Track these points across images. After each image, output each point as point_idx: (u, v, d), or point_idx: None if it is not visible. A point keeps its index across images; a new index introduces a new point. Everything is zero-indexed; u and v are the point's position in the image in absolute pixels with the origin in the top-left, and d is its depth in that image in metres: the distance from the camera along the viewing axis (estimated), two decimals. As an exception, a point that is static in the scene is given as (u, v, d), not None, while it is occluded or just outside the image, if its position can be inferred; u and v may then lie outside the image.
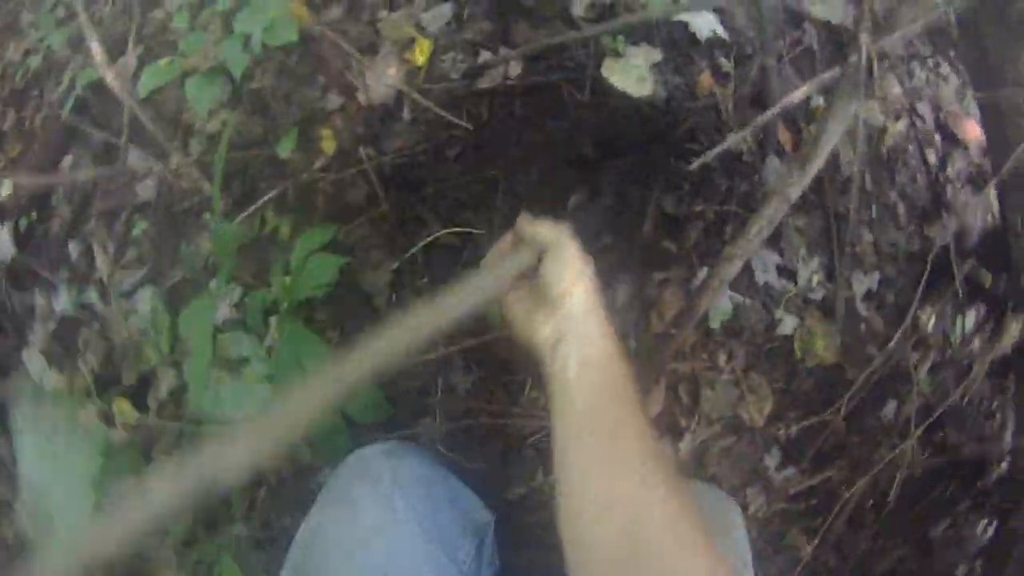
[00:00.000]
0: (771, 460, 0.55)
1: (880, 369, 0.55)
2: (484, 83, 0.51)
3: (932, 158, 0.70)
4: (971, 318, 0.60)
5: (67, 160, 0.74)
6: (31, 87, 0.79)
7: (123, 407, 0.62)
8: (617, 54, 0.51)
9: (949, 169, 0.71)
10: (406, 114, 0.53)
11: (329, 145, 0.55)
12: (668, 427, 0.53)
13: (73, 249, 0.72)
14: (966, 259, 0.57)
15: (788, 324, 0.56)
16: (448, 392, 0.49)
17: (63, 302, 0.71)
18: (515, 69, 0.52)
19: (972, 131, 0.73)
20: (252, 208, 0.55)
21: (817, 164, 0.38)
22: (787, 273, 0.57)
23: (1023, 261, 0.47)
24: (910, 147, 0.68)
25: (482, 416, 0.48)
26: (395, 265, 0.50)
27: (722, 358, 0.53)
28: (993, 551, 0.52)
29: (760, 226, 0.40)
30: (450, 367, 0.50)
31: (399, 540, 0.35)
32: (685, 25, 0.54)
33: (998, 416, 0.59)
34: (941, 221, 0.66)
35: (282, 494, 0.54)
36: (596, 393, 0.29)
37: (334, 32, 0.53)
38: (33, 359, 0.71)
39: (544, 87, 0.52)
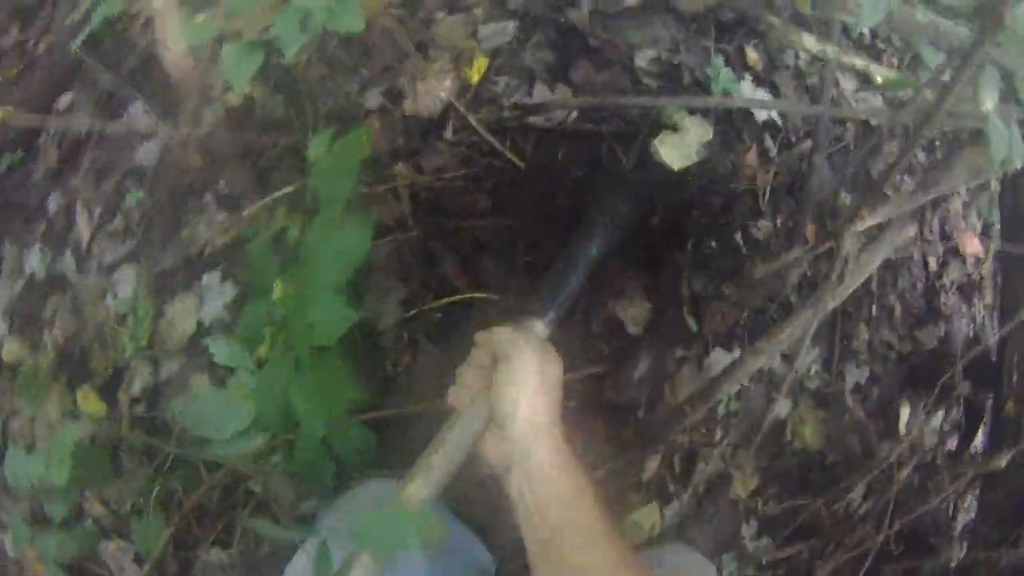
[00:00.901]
0: (748, 531, 0.55)
1: (860, 458, 0.60)
2: (536, 119, 0.47)
3: (932, 264, 0.75)
4: (944, 418, 0.66)
5: (65, 99, 0.61)
6: (44, 5, 0.68)
7: (90, 399, 0.53)
8: (674, 128, 0.48)
9: (945, 277, 0.76)
10: (449, 133, 0.48)
11: (364, 149, 0.45)
12: (658, 492, 0.52)
13: (53, 202, 0.60)
14: (948, 365, 0.62)
15: (783, 408, 0.56)
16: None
17: (35, 262, 0.59)
18: (572, 114, 0.48)
19: (971, 245, 0.78)
20: (261, 202, 0.48)
21: (859, 281, 0.40)
22: (789, 359, 0.56)
23: (1008, 393, 0.51)
24: (915, 254, 0.73)
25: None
26: (405, 299, 0.45)
27: (718, 434, 0.52)
28: None
29: (794, 328, 0.40)
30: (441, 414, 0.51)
31: None
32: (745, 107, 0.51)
33: (957, 507, 0.64)
34: (930, 326, 0.72)
35: (261, 520, 0.47)
36: (555, 517, 0.29)
37: (392, 24, 0.48)
38: None
39: (592, 137, 0.48)
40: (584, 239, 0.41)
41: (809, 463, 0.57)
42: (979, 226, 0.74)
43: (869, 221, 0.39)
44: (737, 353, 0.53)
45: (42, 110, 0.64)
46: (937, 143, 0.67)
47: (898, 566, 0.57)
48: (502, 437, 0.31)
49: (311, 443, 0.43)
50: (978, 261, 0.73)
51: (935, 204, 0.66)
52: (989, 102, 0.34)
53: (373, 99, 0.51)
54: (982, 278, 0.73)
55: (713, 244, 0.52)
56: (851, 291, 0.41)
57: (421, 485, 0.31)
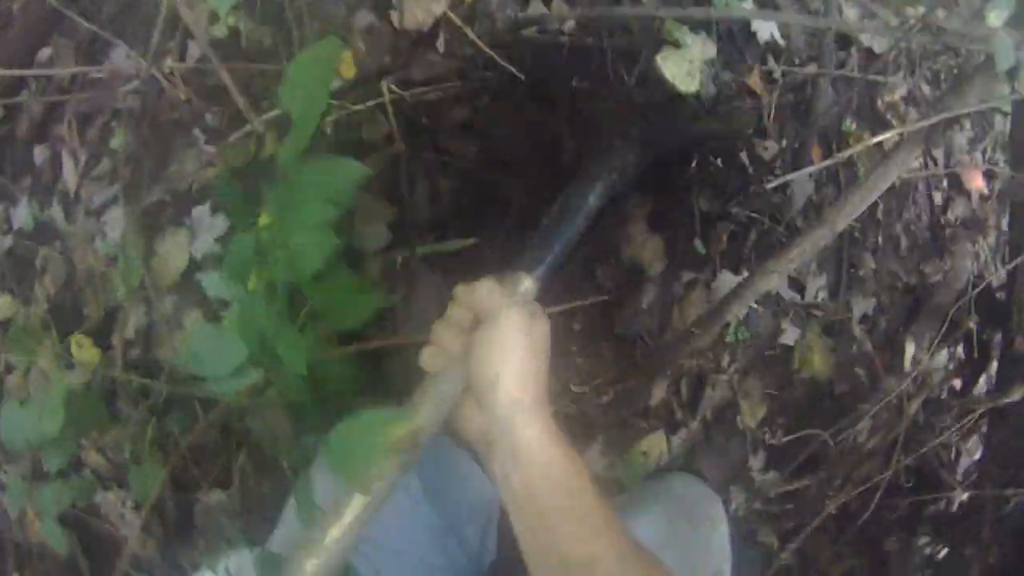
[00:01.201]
0: (756, 462, 0.55)
1: (867, 391, 0.60)
2: (531, 31, 0.45)
3: (937, 199, 0.74)
4: (950, 354, 0.65)
5: (45, 53, 0.60)
6: None
7: (83, 346, 0.51)
8: (676, 44, 0.47)
9: (950, 213, 0.75)
10: (440, 45, 0.45)
11: (349, 69, 0.46)
12: (665, 419, 0.51)
13: (39, 155, 0.59)
14: (955, 300, 0.61)
15: (791, 335, 0.55)
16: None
17: (23, 216, 0.58)
18: (568, 24, 0.46)
19: (975, 180, 0.77)
20: (245, 128, 0.45)
21: (868, 202, 0.36)
22: (796, 285, 0.56)
23: (1018, 328, 0.50)
24: (920, 186, 0.72)
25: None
26: (393, 223, 0.43)
27: (726, 360, 0.51)
28: (943, 573, 0.57)
29: (803, 248, 0.38)
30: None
31: (411, 517, 0.33)
32: (747, 23, 0.50)
33: (955, 448, 0.65)
34: (936, 260, 0.72)
35: (261, 461, 0.47)
36: (545, 502, 0.26)
37: None
38: None
39: (594, 52, 0.46)
40: (582, 187, 0.35)
41: (817, 393, 0.57)
42: (984, 165, 0.72)
43: (876, 140, 0.37)
44: (745, 275, 0.51)
45: (22, 66, 0.62)
46: (943, 76, 0.66)
47: (906, 501, 0.56)
48: (481, 410, 0.27)
49: (292, 380, 0.41)
50: (983, 199, 0.72)
51: (940, 136, 0.65)
52: (997, 19, 0.32)
53: (362, 18, 0.49)
54: (987, 216, 0.72)
55: (719, 163, 0.50)
56: (859, 213, 0.39)
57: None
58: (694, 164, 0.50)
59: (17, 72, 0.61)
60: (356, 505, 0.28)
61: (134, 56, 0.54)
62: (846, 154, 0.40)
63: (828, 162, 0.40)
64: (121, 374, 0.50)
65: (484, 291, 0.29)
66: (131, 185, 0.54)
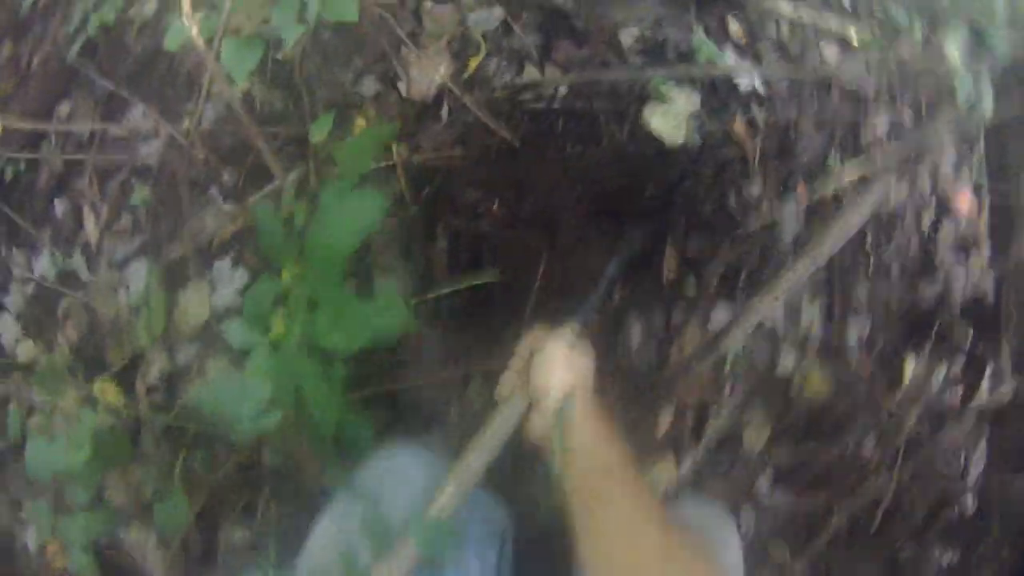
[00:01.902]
0: (763, 484, 0.58)
1: (868, 407, 0.63)
2: (527, 98, 0.51)
3: (926, 222, 0.78)
4: (949, 368, 0.64)
5: (64, 108, 0.65)
6: (34, 20, 0.70)
7: (108, 390, 0.56)
8: (662, 99, 0.52)
9: (939, 235, 0.78)
10: (444, 114, 0.51)
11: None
12: (673, 447, 0.54)
13: (60, 207, 0.64)
14: (949, 317, 0.64)
15: (788, 361, 0.59)
16: (464, 406, 0.49)
17: (44, 265, 0.63)
18: (561, 90, 0.52)
19: (963, 202, 0.81)
20: (268, 188, 0.52)
21: (849, 233, 0.45)
22: (792, 314, 0.59)
23: (1009, 333, 0.55)
24: (908, 211, 0.76)
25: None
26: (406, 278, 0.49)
27: (728, 389, 0.55)
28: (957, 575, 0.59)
29: (788, 282, 0.45)
30: (466, 384, 0.50)
31: None
32: (729, 75, 0.54)
33: (964, 455, 0.67)
34: (928, 281, 0.74)
35: (285, 496, 0.51)
36: (596, 484, 0.31)
37: (384, 14, 0.51)
38: (7, 325, 0.64)
39: (585, 114, 0.52)
40: (612, 262, 0.47)
41: (818, 414, 0.60)
42: (971, 185, 0.76)
43: (855, 172, 0.41)
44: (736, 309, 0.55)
45: (42, 121, 0.67)
46: (924, 106, 0.70)
47: (917, 511, 0.58)
48: (540, 414, 0.36)
49: (316, 430, 0.46)
50: (971, 218, 0.75)
51: (925, 164, 0.69)
52: (955, 53, 0.36)
53: (369, 86, 0.54)
54: (977, 235, 0.75)
55: (707, 208, 0.55)
56: (845, 241, 0.43)
57: (476, 459, 0.37)
58: (684, 210, 0.54)
59: (37, 126, 0.66)
60: (448, 492, 0.36)
61: (151, 115, 0.60)
62: (821, 192, 0.43)
63: (806, 201, 0.43)
64: (146, 413, 0.54)
65: (535, 333, 0.40)
66: (152, 239, 0.59)
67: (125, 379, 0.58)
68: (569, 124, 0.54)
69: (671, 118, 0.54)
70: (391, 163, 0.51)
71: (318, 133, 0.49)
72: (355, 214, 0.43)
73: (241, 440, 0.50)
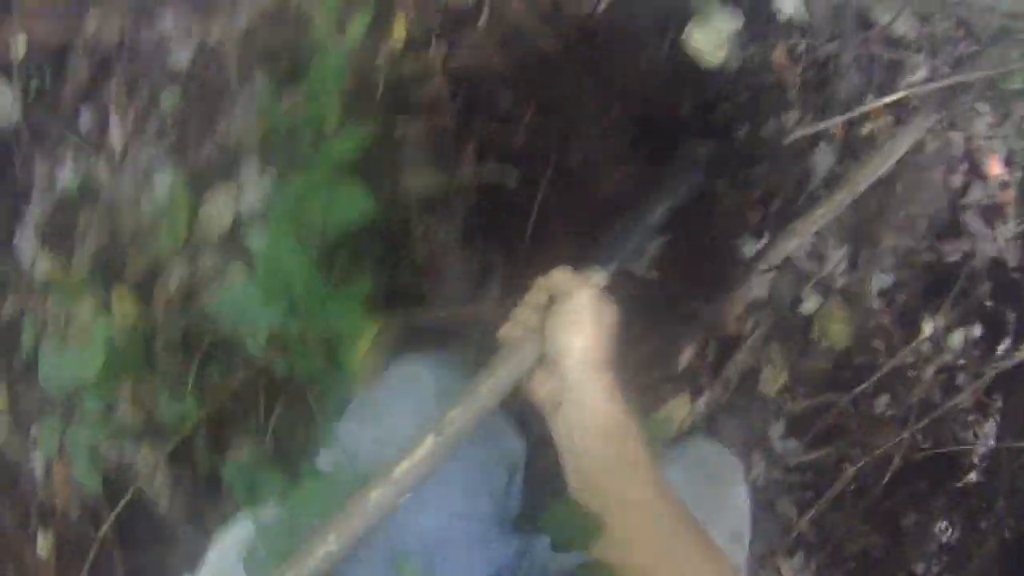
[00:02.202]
0: (776, 430, 0.58)
1: (885, 362, 0.63)
2: (569, 6, 0.49)
3: (956, 182, 0.78)
4: (967, 332, 0.68)
5: (92, 15, 0.63)
6: None
7: (125, 300, 0.54)
8: (704, 17, 0.51)
9: (968, 197, 0.78)
10: (484, 17, 0.49)
11: (400, 30, 0.50)
12: (690, 383, 0.54)
13: (86, 117, 0.62)
14: (970, 279, 0.64)
15: (811, 304, 0.58)
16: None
17: (68, 176, 0.61)
18: (603, 2, 0.50)
19: (994, 167, 0.80)
20: (297, 92, 0.50)
21: (887, 165, 0.44)
22: (817, 257, 0.59)
23: None
24: (939, 168, 0.75)
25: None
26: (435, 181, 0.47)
27: (749, 325, 0.55)
28: (959, 547, 0.56)
29: (826, 209, 0.44)
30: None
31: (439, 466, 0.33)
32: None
33: (973, 430, 0.67)
34: (953, 241, 0.74)
35: (296, 413, 0.49)
36: (602, 459, 0.30)
37: None
38: (26, 240, 0.63)
39: (626, 27, 0.51)
40: (656, 201, 0.40)
41: (836, 362, 0.60)
42: (1004, 151, 0.75)
43: (892, 98, 0.40)
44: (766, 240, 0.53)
45: (69, 32, 0.66)
46: (962, 59, 0.69)
47: (923, 479, 0.58)
48: (553, 373, 0.32)
49: (318, 326, 0.44)
50: (1002, 185, 0.75)
51: (957, 113, 0.68)
52: None
53: None
54: (1005, 203, 0.75)
55: (742, 133, 0.54)
56: (878, 176, 0.42)
57: (463, 412, 0.32)
58: (719, 133, 0.53)
59: (64, 32, 0.65)
60: (428, 444, 0.32)
61: (181, 21, 0.59)
62: (859, 111, 0.42)
63: (843, 117, 0.42)
64: (163, 321, 0.53)
65: (561, 275, 0.34)
66: (179, 144, 0.58)
67: (144, 289, 0.57)
68: (610, 35, 0.53)
69: (712, 37, 0.53)
70: (427, 63, 0.50)
71: (355, 28, 0.48)
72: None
73: (255, 349, 0.49)
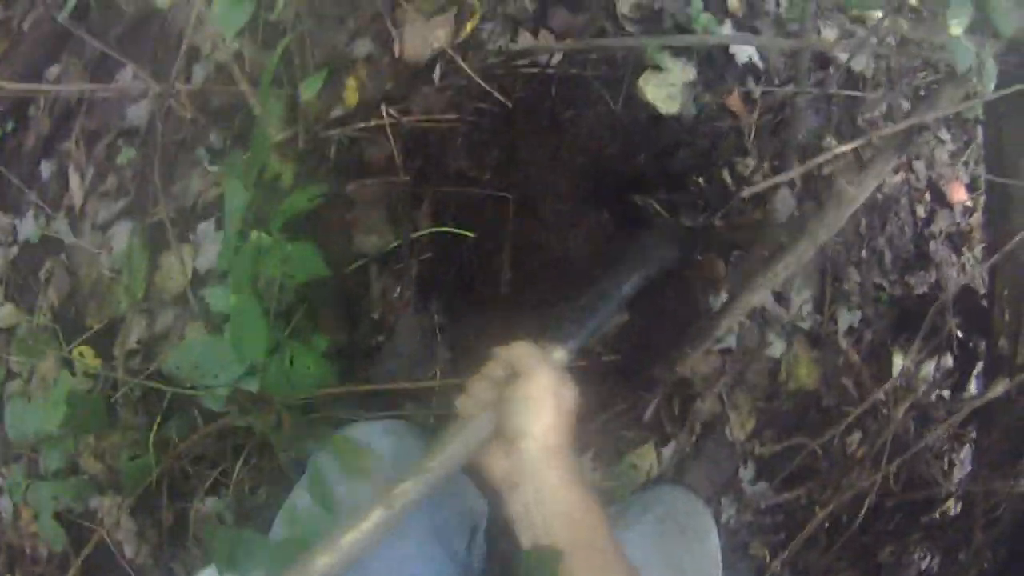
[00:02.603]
0: (745, 474, 0.57)
1: (854, 401, 0.62)
2: (521, 63, 0.49)
3: (920, 212, 0.78)
4: (938, 364, 0.68)
5: (53, 70, 0.64)
6: None
7: (86, 354, 0.54)
8: (658, 68, 0.51)
9: (934, 226, 0.79)
10: (437, 77, 0.49)
11: (352, 96, 0.50)
12: (656, 432, 0.53)
13: (46, 169, 0.63)
14: (940, 312, 0.64)
15: (777, 348, 0.58)
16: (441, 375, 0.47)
17: (28, 228, 0.62)
18: (555, 57, 0.50)
19: (958, 194, 0.80)
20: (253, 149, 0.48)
21: (848, 213, 0.39)
22: (782, 300, 0.59)
23: (1000, 329, 0.52)
24: (903, 200, 0.76)
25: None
26: (391, 244, 0.46)
27: (714, 374, 0.54)
28: None
29: (788, 262, 0.41)
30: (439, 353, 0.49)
31: (400, 533, 0.33)
32: (725, 47, 0.55)
33: (947, 459, 0.67)
34: (920, 273, 0.75)
35: (258, 468, 0.49)
36: (563, 542, 0.29)
37: None
38: None
39: (579, 81, 0.51)
40: (621, 277, 0.39)
41: (805, 404, 0.59)
42: (966, 177, 0.76)
43: (849, 146, 0.40)
44: (724, 294, 0.54)
45: (31, 82, 0.66)
46: (922, 92, 0.70)
47: (898, 512, 0.58)
48: (510, 453, 0.31)
49: (282, 383, 0.44)
50: (966, 211, 0.75)
51: (918, 147, 0.69)
52: (957, 27, 0.35)
53: (362, 47, 0.53)
54: (971, 229, 0.75)
55: (700, 181, 0.54)
56: (840, 224, 0.42)
57: (413, 486, 0.32)
58: (675, 183, 0.53)
59: (26, 87, 0.65)
60: (375, 516, 0.31)
61: (142, 76, 0.59)
62: (817, 161, 0.43)
63: (802, 168, 0.42)
64: (123, 378, 0.52)
65: (522, 350, 0.33)
66: (137, 201, 0.57)
67: (104, 343, 0.56)
68: (563, 90, 0.53)
69: (666, 87, 0.53)
70: (380, 123, 0.50)
71: (307, 92, 0.48)
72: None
73: (216, 406, 0.48)
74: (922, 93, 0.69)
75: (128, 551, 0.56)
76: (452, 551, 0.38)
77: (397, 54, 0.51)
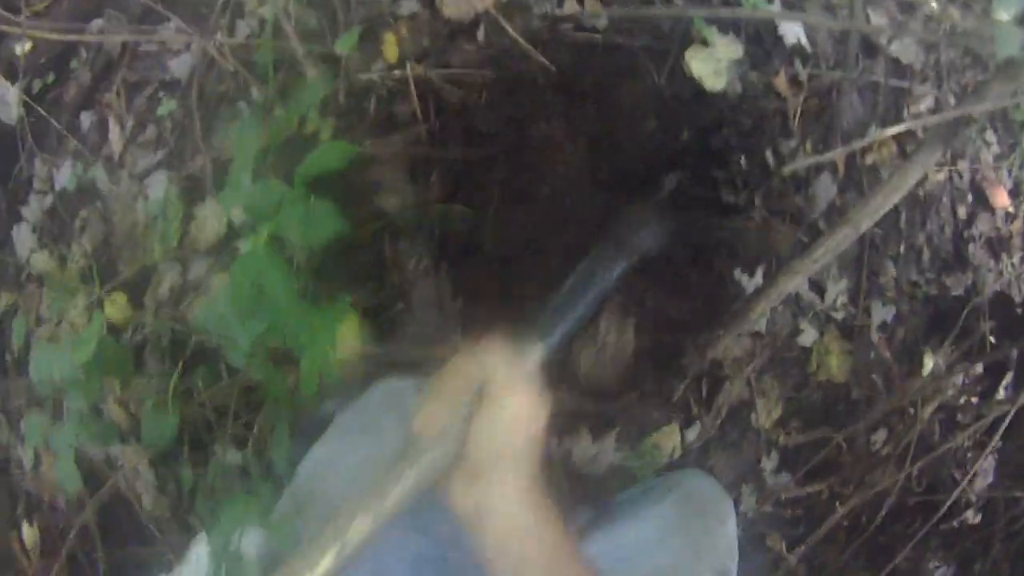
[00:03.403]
0: (768, 463, 0.55)
1: (883, 398, 0.60)
2: (566, 28, 0.48)
3: (961, 213, 0.75)
4: (968, 369, 0.65)
5: (96, 25, 0.63)
6: None
7: (117, 303, 0.54)
8: (705, 43, 0.50)
9: (974, 228, 0.75)
10: (480, 36, 0.49)
11: (391, 52, 0.49)
12: (681, 414, 0.52)
13: (86, 119, 0.63)
14: (975, 316, 0.61)
15: (809, 336, 0.56)
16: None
17: (66, 176, 0.61)
18: (601, 22, 0.49)
19: (1000, 198, 0.76)
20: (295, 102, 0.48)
21: (891, 202, 0.38)
22: (817, 288, 0.57)
23: None
24: (944, 199, 0.72)
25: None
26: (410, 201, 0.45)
27: (744, 358, 0.52)
28: None
29: (827, 248, 0.39)
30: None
31: (394, 544, 0.32)
32: (774, 26, 0.53)
33: (971, 467, 0.64)
34: (957, 274, 0.71)
35: (278, 419, 0.47)
36: (532, 568, 0.26)
37: None
38: (23, 236, 0.63)
39: (625, 50, 0.49)
40: (604, 267, 0.34)
41: (833, 396, 0.57)
42: (1010, 183, 0.73)
43: (896, 129, 0.38)
44: (760, 278, 0.52)
45: (73, 35, 0.66)
46: (970, 90, 0.67)
47: (917, 517, 0.56)
48: (475, 484, 0.27)
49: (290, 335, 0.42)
50: (1008, 216, 0.73)
51: (963, 143, 0.66)
52: (1005, 14, 0.33)
53: (406, 6, 0.52)
54: (1011, 235, 0.72)
55: (742, 160, 0.52)
56: (883, 213, 0.40)
57: (370, 520, 0.27)
58: (718, 159, 0.52)
59: (68, 36, 0.65)
60: (329, 558, 0.27)
61: (183, 30, 0.58)
62: (860, 144, 0.40)
63: (845, 149, 0.40)
64: (152, 325, 0.52)
65: (492, 358, 0.28)
66: (175, 152, 0.57)
67: (136, 292, 0.56)
68: (607, 59, 0.51)
69: (712, 63, 0.52)
70: (408, 76, 0.48)
71: (343, 46, 0.47)
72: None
73: (236, 362, 0.47)
74: (969, 91, 0.67)
75: (146, 501, 0.56)
76: (447, 568, 0.35)
77: (444, 14, 0.50)
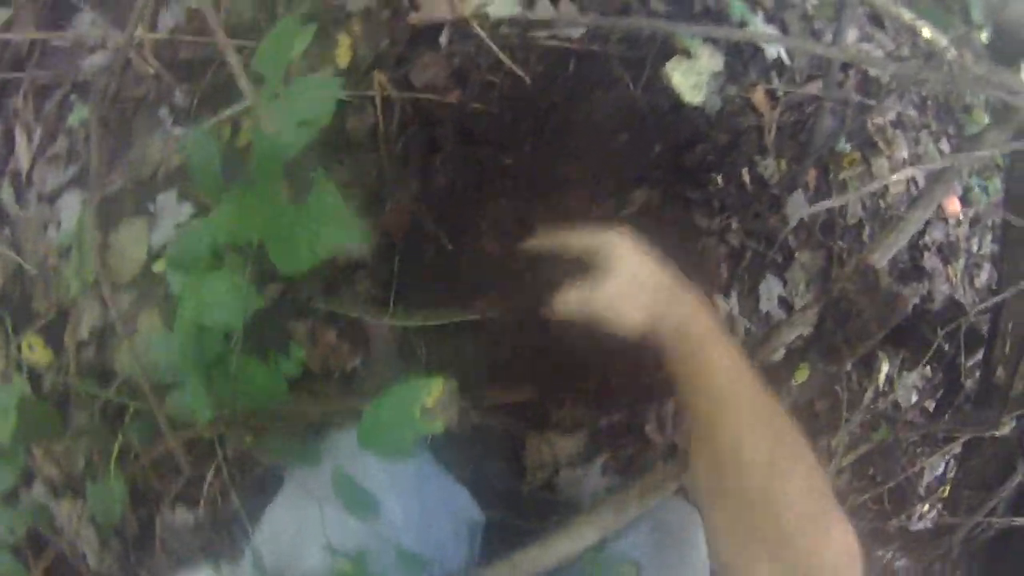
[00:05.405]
0: None
1: (844, 406, 0.59)
2: (540, 34, 0.41)
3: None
4: (923, 375, 0.66)
5: (2, 16, 0.49)
6: None
7: (35, 347, 0.44)
8: (687, 53, 0.44)
9: (927, 236, 0.75)
10: (444, 40, 0.40)
11: (344, 56, 0.40)
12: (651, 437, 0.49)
13: None
14: (929, 323, 0.61)
15: (779, 351, 0.60)
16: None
17: None
18: (576, 31, 0.42)
19: (952, 206, 0.78)
20: (227, 112, 0.39)
21: (903, 240, 0.37)
22: (785, 304, 0.56)
23: (1000, 359, 0.48)
24: (902, 208, 0.72)
25: (471, 416, 0.46)
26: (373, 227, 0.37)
27: None
28: None
29: (836, 287, 0.38)
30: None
31: (393, 546, 0.30)
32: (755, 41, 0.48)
33: (920, 467, 0.65)
34: (914, 284, 0.72)
35: (232, 477, 0.41)
36: (728, 365, 0.27)
37: None
38: None
39: (600, 59, 0.43)
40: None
41: (798, 410, 0.55)
42: (960, 189, 0.72)
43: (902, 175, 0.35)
44: (733, 300, 0.48)
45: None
46: (929, 102, 0.65)
47: (872, 516, 0.55)
48: (672, 350, 0.28)
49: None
50: (958, 223, 0.72)
51: (919, 159, 0.64)
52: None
53: (358, 1, 0.42)
54: (958, 239, 0.72)
55: (719, 180, 0.47)
56: (895, 249, 0.37)
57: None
58: (694, 181, 0.46)
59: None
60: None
61: (100, 23, 0.46)
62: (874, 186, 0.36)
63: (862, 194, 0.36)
64: (74, 380, 0.42)
65: (580, 238, 0.28)
66: (89, 167, 0.46)
67: (54, 333, 0.46)
68: (581, 67, 0.43)
69: (694, 76, 0.45)
70: (370, 93, 0.39)
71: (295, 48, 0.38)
72: (305, 104, 0.30)
73: (179, 416, 0.39)
74: (928, 103, 0.64)
75: (91, 560, 0.47)
76: (445, 563, 0.33)
77: (414, 14, 0.40)
